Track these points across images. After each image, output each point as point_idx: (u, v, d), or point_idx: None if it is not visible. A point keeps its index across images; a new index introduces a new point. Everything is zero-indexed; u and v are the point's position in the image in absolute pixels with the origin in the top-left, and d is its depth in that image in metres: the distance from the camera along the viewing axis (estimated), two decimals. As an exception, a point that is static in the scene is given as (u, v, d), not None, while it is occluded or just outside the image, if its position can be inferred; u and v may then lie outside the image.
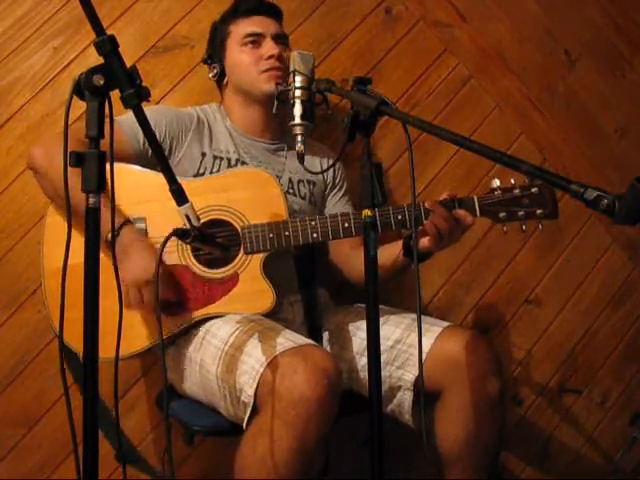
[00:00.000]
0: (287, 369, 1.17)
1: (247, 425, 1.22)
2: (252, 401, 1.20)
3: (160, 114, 1.51)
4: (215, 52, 1.65)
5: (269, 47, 1.57)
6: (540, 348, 2.02)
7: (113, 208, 1.02)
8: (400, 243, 1.47)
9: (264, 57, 1.55)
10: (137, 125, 1.42)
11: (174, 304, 1.40)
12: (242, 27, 1.60)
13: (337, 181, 1.71)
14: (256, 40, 1.58)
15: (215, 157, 1.55)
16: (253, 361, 1.22)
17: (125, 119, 1.40)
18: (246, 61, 1.57)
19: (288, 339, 1.25)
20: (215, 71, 1.63)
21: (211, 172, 1.52)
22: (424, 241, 1.36)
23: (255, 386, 1.19)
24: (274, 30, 1.60)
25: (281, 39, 1.61)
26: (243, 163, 1.56)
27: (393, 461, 1.79)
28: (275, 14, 1.65)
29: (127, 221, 1.35)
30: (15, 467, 1.68)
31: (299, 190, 1.62)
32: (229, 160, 1.56)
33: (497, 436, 1.39)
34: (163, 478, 1.72)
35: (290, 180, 1.62)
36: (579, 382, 2.05)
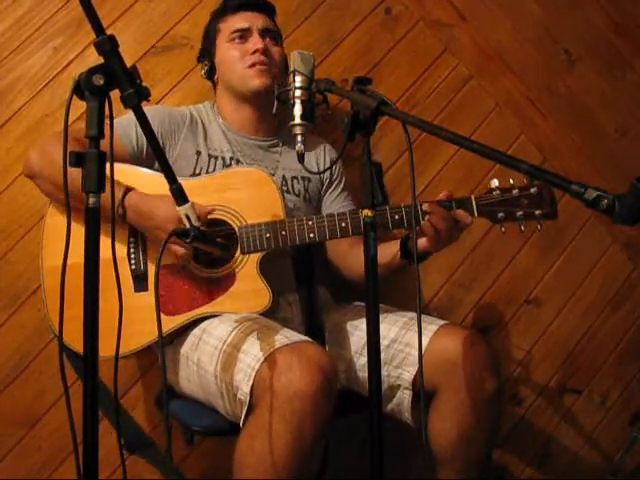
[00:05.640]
0: (282, 366, 1.17)
1: (244, 423, 1.22)
2: (248, 398, 1.20)
3: (152, 114, 1.48)
4: (206, 50, 1.66)
5: (255, 42, 1.56)
6: (540, 348, 2.02)
7: (113, 210, 1.02)
8: (397, 243, 1.47)
9: (249, 52, 1.56)
10: (132, 126, 1.45)
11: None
12: (230, 23, 1.60)
13: (334, 177, 1.70)
14: (243, 35, 1.58)
15: (210, 156, 1.55)
16: (249, 359, 1.23)
17: (120, 120, 1.40)
18: (233, 57, 1.57)
19: (284, 336, 1.25)
20: (205, 68, 1.65)
21: (207, 172, 1.52)
22: (422, 241, 1.36)
23: (251, 383, 1.19)
24: (262, 25, 1.60)
25: (270, 34, 1.61)
26: (238, 162, 1.56)
27: (392, 461, 1.79)
28: (265, 9, 1.65)
29: (127, 190, 1.35)
30: (15, 467, 1.68)
31: (293, 187, 1.62)
32: (224, 159, 1.56)
33: (492, 434, 1.39)
34: (163, 478, 1.72)
35: (284, 177, 1.61)
36: (579, 382, 2.05)
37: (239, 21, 1.59)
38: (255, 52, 1.55)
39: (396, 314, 1.50)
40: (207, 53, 1.66)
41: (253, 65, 1.55)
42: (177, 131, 1.53)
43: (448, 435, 1.35)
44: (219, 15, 1.64)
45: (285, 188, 1.60)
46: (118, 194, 1.33)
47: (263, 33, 1.59)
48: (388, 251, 1.48)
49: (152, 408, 1.75)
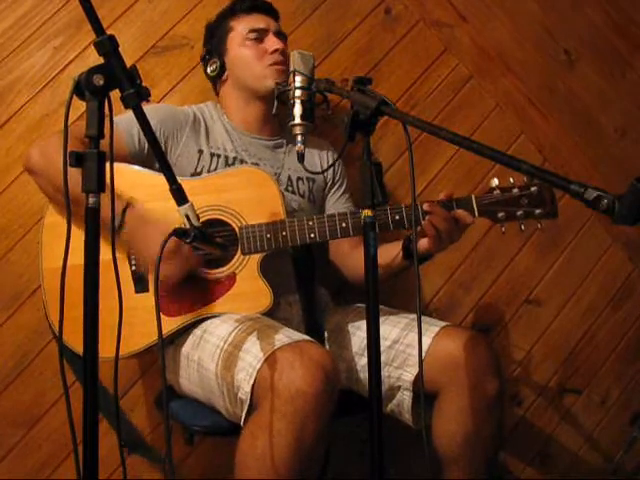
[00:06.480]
0: (284, 365, 1.17)
1: (245, 422, 1.21)
2: (249, 398, 1.20)
3: (154, 113, 1.48)
4: (214, 48, 1.65)
5: (273, 42, 1.58)
6: (540, 348, 2.02)
7: (113, 210, 1.02)
8: (399, 244, 1.47)
9: (269, 51, 1.57)
10: (133, 124, 1.44)
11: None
12: (245, 23, 1.60)
13: (337, 179, 1.71)
14: (259, 36, 1.59)
15: (212, 154, 1.55)
16: (251, 358, 1.22)
17: (121, 119, 1.40)
18: (249, 56, 1.57)
19: (285, 335, 1.25)
20: (215, 66, 1.63)
21: (209, 170, 1.52)
22: (423, 242, 1.36)
23: (252, 382, 1.19)
24: (275, 27, 1.63)
25: (282, 36, 1.63)
26: (241, 161, 1.56)
27: (393, 461, 1.79)
28: (273, 13, 1.67)
29: (128, 204, 1.34)
30: (15, 467, 1.68)
31: (298, 188, 1.62)
32: (227, 158, 1.55)
33: (496, 435, 1.39)
34: (163, 478, 1.72)
35: (289, 177, 1.61)
36: (579, 382, 2.05)
37: (255, 21, 1.60)
38: (275, 52, 1.56)
39: (398, 315, 1.50)
40: (215, 51, 1.65)
41: (273, 65, 1.55)
42: (180, 130, 1.53)
43: (452, 436, 1.35)
44: (229, 14, 1.64)
45: (290, 189, 1.60)
46: (119, 208, 1.32)
47: (278, 35, 1.61)
48: (390, 252, 1.48)
49: (152, 408, 1.75)
